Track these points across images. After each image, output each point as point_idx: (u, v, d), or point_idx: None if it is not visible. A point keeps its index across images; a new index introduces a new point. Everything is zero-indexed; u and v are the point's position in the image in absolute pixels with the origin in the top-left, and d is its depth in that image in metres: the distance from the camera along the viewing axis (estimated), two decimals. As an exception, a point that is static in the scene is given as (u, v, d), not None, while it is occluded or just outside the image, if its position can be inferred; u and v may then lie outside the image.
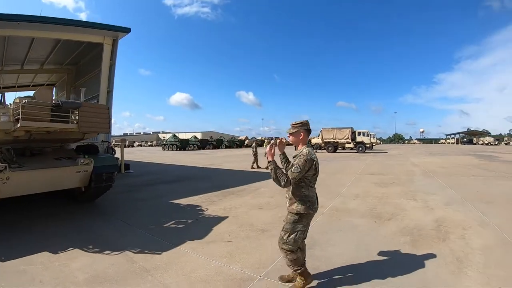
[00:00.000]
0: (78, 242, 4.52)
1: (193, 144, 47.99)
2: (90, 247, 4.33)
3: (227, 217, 6.20)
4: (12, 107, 5.30)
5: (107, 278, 3.38)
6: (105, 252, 4.15)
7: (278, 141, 2.98)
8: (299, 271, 3.04)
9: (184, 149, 44.77)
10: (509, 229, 5.10)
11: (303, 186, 2.92)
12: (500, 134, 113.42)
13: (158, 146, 67.45)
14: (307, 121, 3.09)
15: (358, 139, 34.76)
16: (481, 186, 9.66)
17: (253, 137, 71.94)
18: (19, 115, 4.97)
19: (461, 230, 5.15)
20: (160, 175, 13.47)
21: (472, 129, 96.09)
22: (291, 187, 2.90)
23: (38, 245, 4.38)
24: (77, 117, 5.77)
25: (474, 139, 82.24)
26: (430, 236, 4.88)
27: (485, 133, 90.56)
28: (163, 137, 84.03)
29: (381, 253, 4.13)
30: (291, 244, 2.93)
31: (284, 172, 2.90)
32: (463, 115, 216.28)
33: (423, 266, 3.72)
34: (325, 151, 35.14)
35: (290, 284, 3.19)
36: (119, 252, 4.13)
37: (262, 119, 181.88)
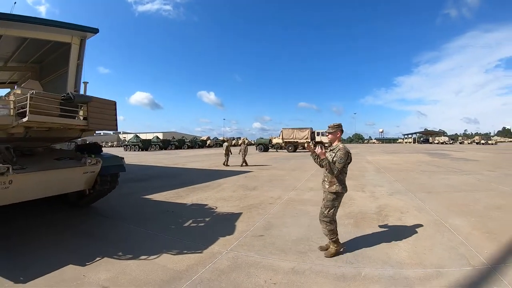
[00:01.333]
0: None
1: (155, 145, 47.51)
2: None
3: (196, 208, 6.89)
4: (12, 99, 4.65)
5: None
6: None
7: (319, 145, 4.08)
8: (333, 239, 3.99)
9: (147, 150, 44.24)
10: (441, 213, 6.06)
11: (341, 173, 3.87)
12: (456, 134, 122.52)
13: (119, 146, 65.54)
14: (341, 124, 4.14)
15: (317, 138, 36.27)
16: (426, 180, 10.90)
17: (215, 137, 72.13)
18: (24, 107, 4.40)
19: (399, 213, 6.07)
20: (128, 175, 13.62)
21: (429, 129, 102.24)
22: (331, 171, 3.84)
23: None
24: (80, 113, 5.24)
25: (430, 138, 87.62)
26: (371, 218, 5.76)
27: (441, 133, 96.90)
28: (124, 137, 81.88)
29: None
30: (330, 216, 3.94)
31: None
32: (421, 116, 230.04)
33: (362, 240, 4.55)
34: (285, 150, 36.46)
35: (326, 251, 4.06)
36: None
37: (224, 119, 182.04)
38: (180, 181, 11.12)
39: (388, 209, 6.47)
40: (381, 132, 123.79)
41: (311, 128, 36.84)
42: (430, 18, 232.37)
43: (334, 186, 3.89)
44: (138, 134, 53.91)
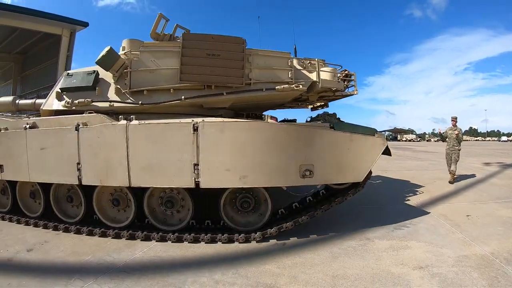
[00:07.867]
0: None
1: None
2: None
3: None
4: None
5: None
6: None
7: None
8: (454, 172, 8.42)
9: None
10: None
11: (460, 141, 8.51)
12: (424, 132, 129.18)
13: None
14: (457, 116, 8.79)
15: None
16: (384, 164, 12.73)
17: None
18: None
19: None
20: None
21: (398, 127, 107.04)
22: (457, 141, 8.45)
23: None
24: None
25: (398, 136, 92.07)
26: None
27: (409, 131, 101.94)
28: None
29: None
30: (458, 159, 8.45)
31: None
32: (390, 115, 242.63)
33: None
34: None
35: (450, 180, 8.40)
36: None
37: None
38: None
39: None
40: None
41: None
42: (401, 21, 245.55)
43: (458, 146, 8.39)
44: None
